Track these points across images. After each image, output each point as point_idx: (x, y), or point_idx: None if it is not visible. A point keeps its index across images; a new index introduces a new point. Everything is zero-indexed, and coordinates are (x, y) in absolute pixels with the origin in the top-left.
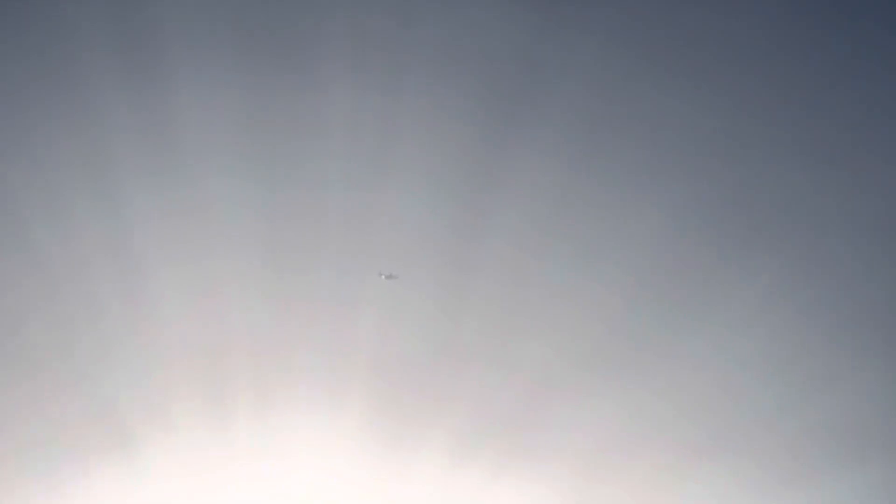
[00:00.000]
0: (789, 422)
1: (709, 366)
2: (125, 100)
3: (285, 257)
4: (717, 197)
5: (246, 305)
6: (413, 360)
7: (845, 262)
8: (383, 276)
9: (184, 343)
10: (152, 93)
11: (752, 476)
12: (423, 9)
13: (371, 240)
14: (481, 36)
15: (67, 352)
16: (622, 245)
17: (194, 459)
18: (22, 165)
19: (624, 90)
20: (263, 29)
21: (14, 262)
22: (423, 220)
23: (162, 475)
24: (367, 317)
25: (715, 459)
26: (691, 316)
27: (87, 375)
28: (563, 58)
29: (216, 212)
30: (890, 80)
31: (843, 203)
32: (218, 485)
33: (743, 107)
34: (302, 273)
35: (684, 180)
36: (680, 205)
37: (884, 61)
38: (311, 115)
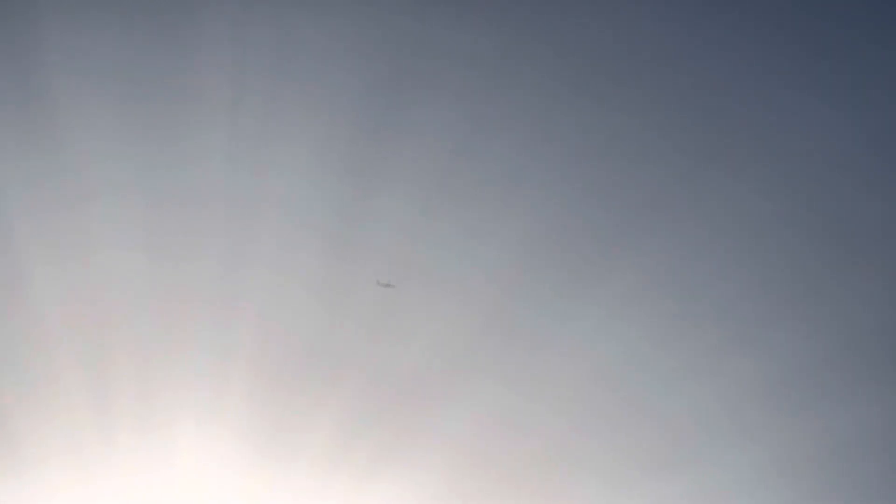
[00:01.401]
0: (668, 406)
1: (585, 354)
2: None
3: (167, 250)
4: (595, 187)
5: (127, 300)
6: (294, 357)
7: (722, 247)
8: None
9: (64, 336)
10: (26, 77)
11: (628, 464)
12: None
13: (254, 231)
14: (365, 31)
15: None
16: (500, 234)
17: (74, 454)
18: None
19: (507, 87)
20: (146, 18)
21: None
22: (305, 210)
23: (41, 469)
24: (249, 312)
25: (590, 449)
26: (568, 303)
27: None
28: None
29: (97, 204)
30: (747, 82)
31: (720, 194)
32: (98, 478)
33: (624, 109)
34: (184, 264)
35: (562, 173)
36: (558, 194)
37: (742, 57)
38: (192, 105)
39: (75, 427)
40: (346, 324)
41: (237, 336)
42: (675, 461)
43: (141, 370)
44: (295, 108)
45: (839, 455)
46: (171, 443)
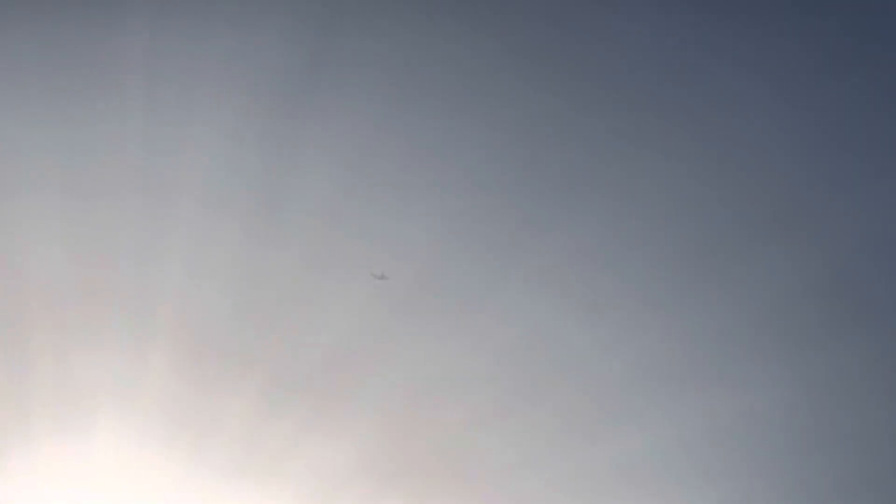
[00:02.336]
0: (587, 376)
1: (506, 325)
2: None
3: (83, 234)
4: (517, 162)
5: (44, 285)
6: (214, 335)
7: (640, 219)
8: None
9: None
10: None
11: (547, 432)
12: None
13: (172, 213)
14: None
15: None
16: (423, 209)
17: None
18: None
19: (429, 63)
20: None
21: None
22: (223, 192)
23: None
24: (168, 292)
25: (522, 411)
26: (491, 275)
27: None
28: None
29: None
30: (676, 59)
31: (642, 169)
32: (13, 458)
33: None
34: (102, 248)
35: (485, 148)
36: (480, 169)
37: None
38: (106, 92)
39: None
40: (267, 299)
41: (156, 315)
42: (596, 430)
43: (59, 353)
44: (212, 90)
45: (753, 428)
46: (91, 425)
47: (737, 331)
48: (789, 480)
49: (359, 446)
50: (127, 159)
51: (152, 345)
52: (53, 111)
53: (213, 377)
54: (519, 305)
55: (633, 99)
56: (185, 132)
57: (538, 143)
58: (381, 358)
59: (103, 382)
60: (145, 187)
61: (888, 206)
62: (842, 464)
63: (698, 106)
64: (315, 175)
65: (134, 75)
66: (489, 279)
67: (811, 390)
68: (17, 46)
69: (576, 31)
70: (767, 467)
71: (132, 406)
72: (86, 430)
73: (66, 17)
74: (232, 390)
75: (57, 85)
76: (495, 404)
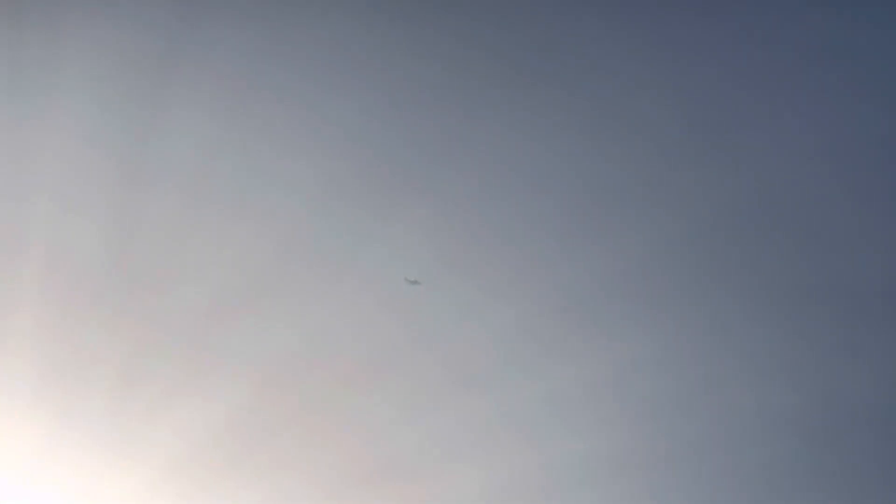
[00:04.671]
0: (467, 329)
1: (388, 276)
2: None
3: None
4: (400, 103)
5: None
6: (83, 285)
7: (521, 171)
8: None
9: None
10: None
11: (430, 384)
12: None
13: (40, 158)
14: None
15: None
16: (303, 151)
17: None
18: None
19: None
20: None
21: None
22: (93, 136)
23: None
24: (35, 242)
25: (400, 368)
26: (371, 224)
27: None
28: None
29: None
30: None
31: (526, 123)
32: None
33: None
34: None
35: (370, 86)
36: (363, 112)
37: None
38: None
39: None
40: (137, 249)
41: (23, 266)
42: (476, 383)
43: None
44: (80, 34)
45: (638, 378)
46: None
47: (621, 280)
48: (679, 427)
49: (229, 408)
50: None
51: (20, 297)
52: None
53: (83, 329)
54: (394, 262)
55: (505, 63)
56: (52, 78)
57: (415, 105)
58: (254, 317)
59: None
60: (11, 132)
61: (764, 164)
62: (727, 409)
63: (565, 70)
64: (188, 126)
65: None
66: (362, 237)
67: (695, 338)
68: None
69: None
70: (657, 414)
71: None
72: None
73: None
74: (103, 343)
75: None
76: (370, 363)
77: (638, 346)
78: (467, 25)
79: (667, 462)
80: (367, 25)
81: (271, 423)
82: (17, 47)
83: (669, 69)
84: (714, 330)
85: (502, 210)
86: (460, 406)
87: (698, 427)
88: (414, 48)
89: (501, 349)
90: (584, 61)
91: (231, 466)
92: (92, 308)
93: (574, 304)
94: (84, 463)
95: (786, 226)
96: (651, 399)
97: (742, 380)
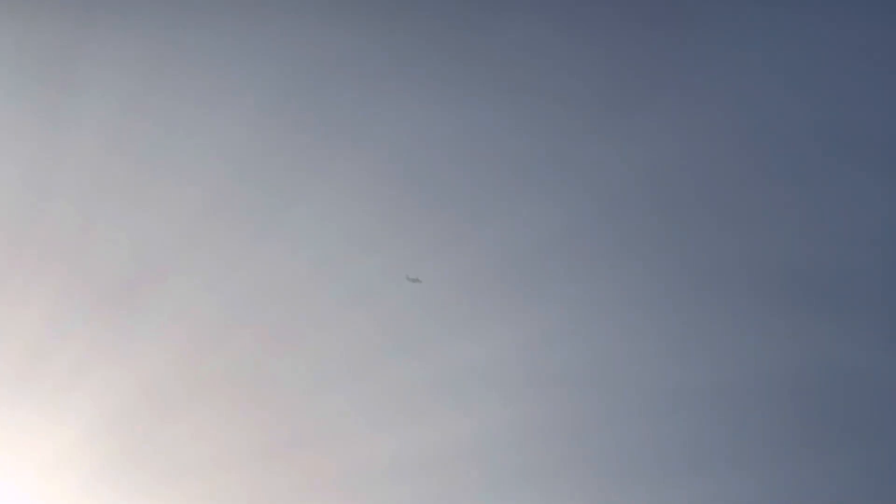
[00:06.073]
0: (395, 292)
1: (312, 240)
2: None
3: None
4: (313, 77)
5: None
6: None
7: (449, 132)
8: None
9: None
10: None
11: (354, 351)
12: None
13: None
14: None
15: None
16: (222, 113)
17: None
18: None
19: None
20: None
21: None
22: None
23: None
24: None
25: (318, 334)
26: (293, 187)
27: None
28: None
29: None
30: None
31: (456, 84)
32: None
33: None
34: None
35: (290, 42)
36: (276, 79)
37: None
38: None
39: None
40: (51, 214)
41: None
42: (402, 349)
43: None
44: None
45: (553, 350)
46: None
47: (537, 253)
48: (593, 398)
49: (145, 376)
50: None
51: None
52: None
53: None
54: (312, 229)
55: (423, 39)
56: None
57: (328, 73)
58: (171, 281)
59: None
60: None
61: (683, 141)
62: (642, 381)
63: (484, 45)
64: (105, 87)
65: None
66: (281, 203)
67: (610, 312)
68: None
69: None
70: (572, 386)
71: None
72: None
73: None
74: (16, 307)
75: None
76: (288, 328)
77: (554, 318)
78: None
79: (581, 432)
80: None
81: (188, 391)
82: None
83: (587, 45)
84: (628, 305)
85: (421, 179)
86: (381, 375)
87: (611, 399)
88: (323, 24)
89: (420, 318)
90: (503, 38)
91: (146, 435)
92: (5, 276)
93: (493, 276)
94: None
95: (702, 204)
96: (566, 371)
97: (657, 353)
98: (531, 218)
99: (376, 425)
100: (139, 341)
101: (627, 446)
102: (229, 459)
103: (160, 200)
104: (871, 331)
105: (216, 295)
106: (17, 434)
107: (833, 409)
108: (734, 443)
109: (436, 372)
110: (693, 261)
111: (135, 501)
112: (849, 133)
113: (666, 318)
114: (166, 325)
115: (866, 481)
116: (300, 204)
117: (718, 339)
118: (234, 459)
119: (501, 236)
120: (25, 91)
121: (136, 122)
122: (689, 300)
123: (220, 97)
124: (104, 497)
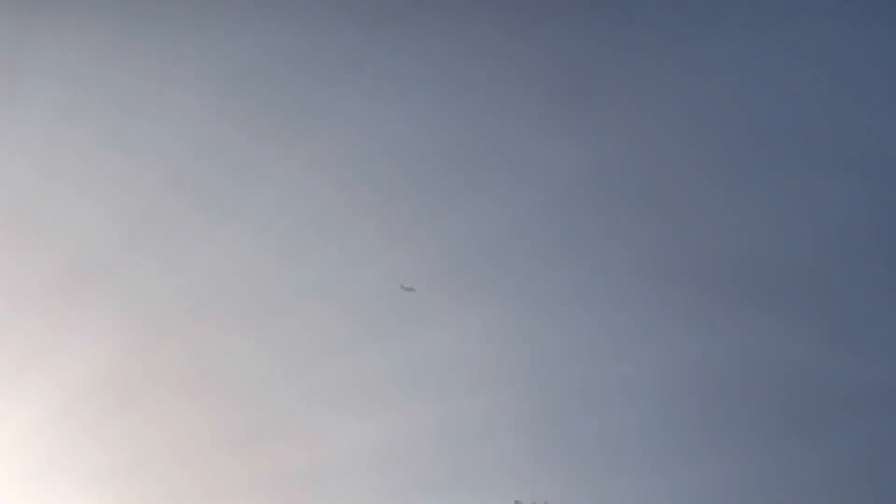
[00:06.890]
0: (349, 283)
1: (264, 229)
2: None
3: None
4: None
5: None
6: None
7: (407, 110)
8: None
9: None
10: None
11: (312, 340)
12: None
13: None
14: None
15: None
16: (192, 86)
17: None
18: None
19: None
20: None
21: None
22: None
23: None
24: None
25: (273, 325)
26: (248, 175)
27: None
28: None
29: None
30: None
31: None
32: None
33: None
34: None
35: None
36: (234, 66)
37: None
38: None
39: None
40: (4, 192)
41: None
42: (363, 338)
43: None
44: None
45: (503, 344)
46: None
47: (487, 248)
48: (541, 392)
49: (103, 360)
50: None
51: None
52: None
53: None
54: (270, 215)
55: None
56: None
57: (285, 63)
58: (126, 267)
59: None
60: None
61: (633, 138)
62: (588, 376)
63: (422, 41)
64: (56, 59)
65: None
66: (236, 190)
67: (556, 308)
68: None
69: None
70: (521, 379)
71: None
72: None
73: None
74: None
75: None
76: (245, 317)
77: (503, 312)
78: None
79: (530, 425)
80: None
81: (144, 379)
82: None
83: (534, 43)
84: (575, 300)
85: (376, 170)
86: (341, 364)
87: (559, 392)
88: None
89: (375, 311)
90: (453, 35)
91: (100, 424)
92: None
93: (448, 269)
94: None
95: (647, 200)
96: (515, 365)
97: (603, 348)
98: (478, 213)
99: (337, 415)
100: (92, 329)
101: (582, 438)
102: (186, 448)
103: (122, 177)
104: (812, 325)
105: (172, 281)
106: None
107: (776, 401)
108: (684, 434)
109: (397, 362)
110: (639, 257)
111: (88, 489)
112: (792, 131)
113: (613, 313)
114: (121, 313)
115: (810, 472)
116: (257, 191)
117: (665, 333)
118: (190, 448)
119: (453, 228)
120: None
121: (87, 106)
122: (635, 295)
123: (175, 80)
124: (58, 485)
